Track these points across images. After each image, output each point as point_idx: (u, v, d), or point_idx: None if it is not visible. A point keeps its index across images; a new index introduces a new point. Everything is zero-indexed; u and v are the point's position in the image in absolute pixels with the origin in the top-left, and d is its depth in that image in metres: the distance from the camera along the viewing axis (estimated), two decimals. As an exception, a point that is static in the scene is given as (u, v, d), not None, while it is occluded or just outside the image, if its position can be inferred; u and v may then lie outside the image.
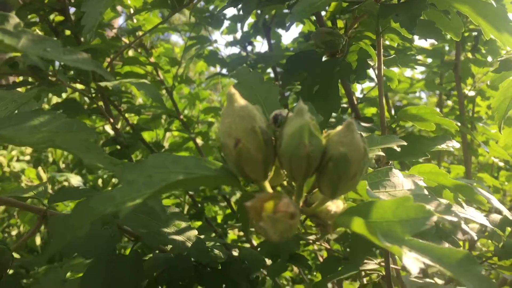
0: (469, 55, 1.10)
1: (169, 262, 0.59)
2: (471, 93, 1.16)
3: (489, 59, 1.05)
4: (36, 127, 0.39)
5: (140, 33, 1.06)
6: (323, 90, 0.65)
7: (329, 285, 0.97)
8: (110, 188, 1.43)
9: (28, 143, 0.39)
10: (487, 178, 1.21)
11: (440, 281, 0.65)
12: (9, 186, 1.18)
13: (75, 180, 1.23)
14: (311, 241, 0.80)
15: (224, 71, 1.31)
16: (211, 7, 1.18)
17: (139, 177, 0.28)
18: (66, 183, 1.42)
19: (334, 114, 0.72)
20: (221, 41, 7.12)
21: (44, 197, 0.54)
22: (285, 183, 0.35)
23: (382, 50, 0.59)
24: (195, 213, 1.12)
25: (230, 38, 1.74)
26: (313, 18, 0.75)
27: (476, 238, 0.52)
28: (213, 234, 1.04)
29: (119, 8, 1.14)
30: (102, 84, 0.82)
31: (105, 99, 0.95)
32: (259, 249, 0.82)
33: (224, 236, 1.17)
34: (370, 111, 1.28)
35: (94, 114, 1.00)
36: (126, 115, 1.07)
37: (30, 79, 0.79)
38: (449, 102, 1.39)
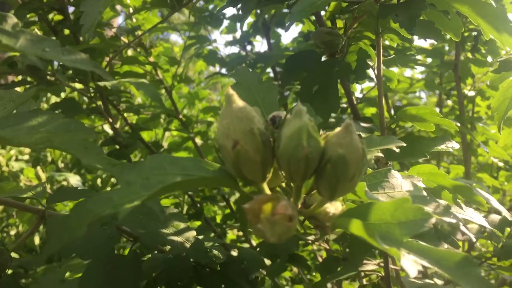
0: (469, 55, 1.10)
1: (168, 262, 0.59)
2: (471, 93, 1.16)
3: (489, 59, 1.05)
4: (34, 128, 0.39)
5: (140, 32, 1.06)
6: (322, 90, 0.65)
7: (329, 285, 0.97)
8: (109, 188, 1.43)
9: (26, 143, 0.39)
10: (486, 178, 1.21)
11: (439, 282, 0.65)
12: (7, 186, 1.18)
13: (74, 179, 1.22)
14: (310, 241, 0.80)
15: (224, 70, 1.31)
16: (211, 7, 1.18)
17: (137, 179, 0.28)
18: (65, 183, 1.42)
19: (333, 114, 0.72)
20: (221, 40, 7.16)
21: (43, 198, 0.54)
22: (283, 184, 0.35)
23: (381, 50, 0.59)
24: (194, 213, 1.12)
25: (229, 37, 1.75)
26: (313, 18, 0.75)
27: (474, 240, 0.52)
28: (212, 234, 1.04)
29: (118, 7, 1.13)
30: (101, 83, 0.82)
31: (104, 98, 0.95)
32: (258, 249, 0.82)
33: (223, 236, 1.17)
34: (370, 111, 1.27)
35: (93, 114, 1.00)
36: (125, 114, 1.07)
37: (28, 79, 0.79)
38: (449, 102, 1.39)
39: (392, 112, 1.12)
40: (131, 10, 1.11)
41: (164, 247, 0.62)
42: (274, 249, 0.79)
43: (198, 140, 1.33)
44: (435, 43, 1.16)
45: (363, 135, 0.61)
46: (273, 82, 0.43)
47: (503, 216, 0.66)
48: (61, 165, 1.63)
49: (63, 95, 1.03)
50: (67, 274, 0.71)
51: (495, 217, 0.71)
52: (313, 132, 0.28)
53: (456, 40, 0.60)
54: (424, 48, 1.17)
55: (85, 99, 1.20)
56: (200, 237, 0.64)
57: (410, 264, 0.24)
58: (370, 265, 0.65)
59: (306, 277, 1.16)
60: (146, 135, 1.41)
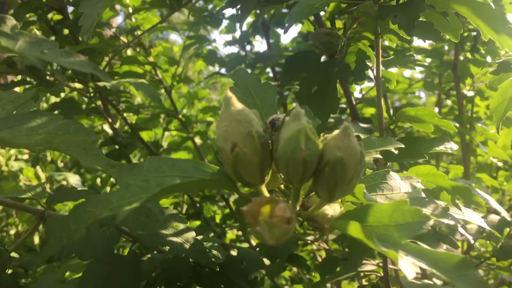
0: (468, 55, 1.10)
1: (167, 262, 0.59)
2: (470, 93, 1.16)
3: (488, 59, 1.05)
4: (34, 129, 0.39)
5: (139, 32, 1.06)
6: (321, 91, 0.65)
7: (328, 285, 0.97)
8: (108, 187, 1.43)
9: (26, 145, 0.39)
10: (485, 178, 1.21)
11: (438, 282, 0.65)
12: (7, 186, 1.18)
13: (74, 179, 1.22)
14: (309, 241, 0.80)
15: (223, 70, 1.31)
16: (210, 6, 1.18)
17: (135, 181, 0.28)
18: (64, 182, 1.42)
19: (333, 115, 0.72)
20: (220, 40, 7.18)
21: (42, 198, 0.54)
22: (282, 186, 0.35)
23: (380, 51, 0.59)
24: (193, 213, 1.12)
25: (229, 37, 1.74)
26: (312, 18, 0.75)
27: (472, 241, 0.52)
28: (212, 234, 1.04)
29: (117, 7, 1.13)
30: (101, 83, 0.82)
31: (104, 98, 0.95)
32: (257, 249, 0.82)
33: (223, 236, 1.17)
34: (369, 111, 1.27)
35: (93, 114, 1.00)
36: (125, 114, 1.07)
37: (28, 79, 0.79)
38: (448, 102, 1.39)
39: (392, 112, 1.12)
40: (130, 10, 1.11)
41: (163, 247, 0.62)
42: (274, 249, 0.79)
43: (198, 140, 1.33)
44: (434, 43, 1.16)
45: (362, 136, 0.61)
46: (271, 83, 0.43)
47: (502, 216, 0.66)
48: (60, 164, 1.63)
49: (62, 95, 1.03)
50: (67, 274, 0.71)
51: (494, 218, 0.71)
52: (311, 135, 0.28)
53: (455, 41, 0.60)
54: (423, 48, 1.17)
55: (85, 99, 1.19)
56: (200, 237, 0.64)
57: (408, 266, 0.24)
58: (369, 265, 0.65)
59: (306, 277, 1.17)
60: (145, 135, 1.41)
